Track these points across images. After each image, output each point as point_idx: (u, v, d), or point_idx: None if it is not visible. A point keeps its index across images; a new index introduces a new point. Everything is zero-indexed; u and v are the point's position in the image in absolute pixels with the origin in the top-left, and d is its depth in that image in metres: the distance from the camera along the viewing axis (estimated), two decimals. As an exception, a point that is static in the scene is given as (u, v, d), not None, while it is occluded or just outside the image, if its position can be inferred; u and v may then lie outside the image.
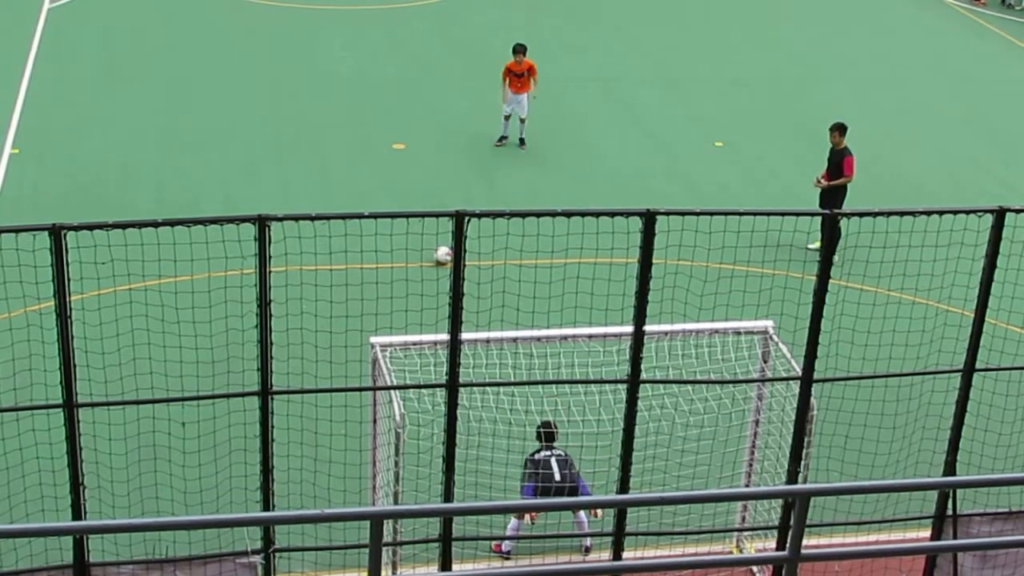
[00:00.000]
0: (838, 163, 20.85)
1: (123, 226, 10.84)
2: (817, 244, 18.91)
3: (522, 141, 25.09)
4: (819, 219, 18.23)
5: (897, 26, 34.71)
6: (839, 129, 21.15)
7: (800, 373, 12.47)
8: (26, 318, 14.17)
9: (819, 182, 20.71)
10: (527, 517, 14.69)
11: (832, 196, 20.27)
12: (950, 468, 12.95)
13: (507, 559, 14.87)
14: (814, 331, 12.06)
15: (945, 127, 27.80)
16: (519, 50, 25.25)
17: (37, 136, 24.47)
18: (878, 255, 13.18)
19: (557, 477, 14.25)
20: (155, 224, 10.84)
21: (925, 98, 29.39)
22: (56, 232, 10.59)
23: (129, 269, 12.57)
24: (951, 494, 12.99)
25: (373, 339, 13.34)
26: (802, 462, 12.75)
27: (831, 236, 12.12)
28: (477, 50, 30.58)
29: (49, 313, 11.04)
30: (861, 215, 12.02)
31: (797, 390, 12.57)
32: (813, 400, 12.55)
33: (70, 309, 10.83)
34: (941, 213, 12.13)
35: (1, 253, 11.75)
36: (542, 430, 14.48)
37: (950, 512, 13.00)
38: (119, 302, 13.62)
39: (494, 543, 14.86)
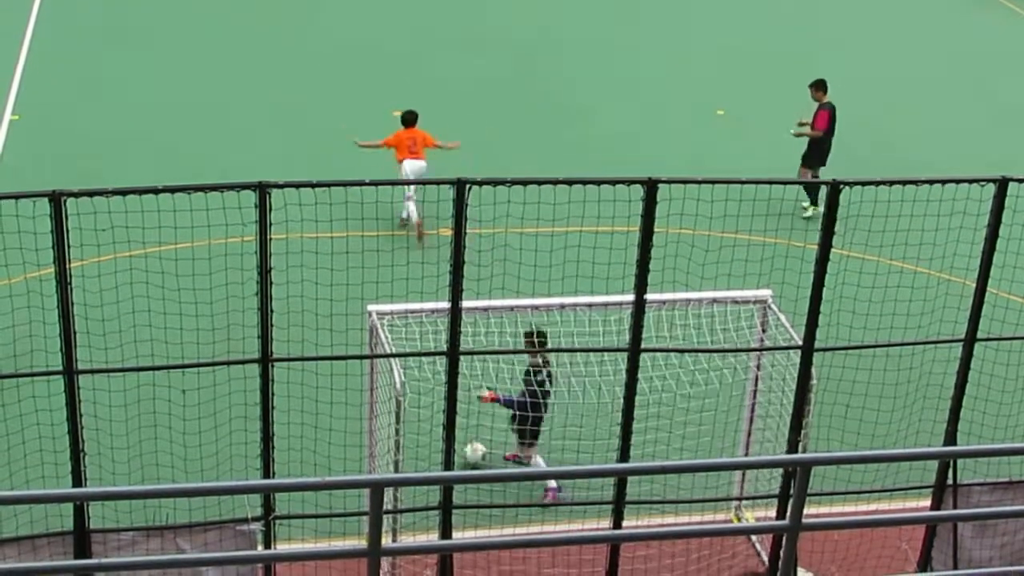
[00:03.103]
0: (815, 116, 21.32)
1: (123, 192, 10.82)
2: (810, 211, 19.75)
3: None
4: (801, 174, 19.57)
5: (894, 4, 34.53)
6: (815, 85, 21.54)
7: (799, 342, 12.46)
8: (26, 285, 14.13)
9: (797, 130, 21.26)
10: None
11: (810, 151, 20.83)
12: (950, 438, 12.96)
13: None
14: (815, 300, 12.04)
15: (947, 97, 27.73)
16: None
17: (37, 103, 24.41)
18: (880, 224, 13.13)
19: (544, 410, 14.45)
20: (155, 191, 10.81)
21: (927, 68, 29.31)
22: (56, 199, 10.56)
23: (129, 236, 12.51)
24: (951, 464, 13.01)
25: (371, 307, 13.30)
26: (802, 431, 12.75)
27: (831, 205, 12.07)
28: (479, 18, 30.46)
29: (49, 280, 11.01)
30: (863, 184, 11.94)
31: (797, 359, 12.56)
32: (813, 369, 12.54)
33: (70, 276, 10.80)
34: (943, 183, 12.10)
35: (1, 220, 11.72)
36: (537, 340, 14.26)
37: (950, 482, 13.02)
38: (119, 269, 13.60)
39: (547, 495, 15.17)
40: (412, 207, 19.52)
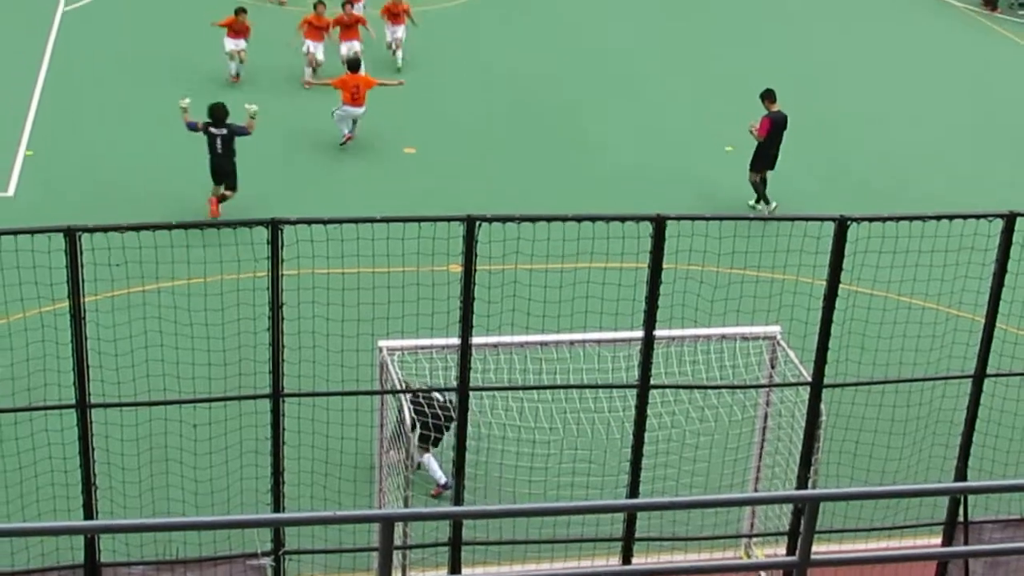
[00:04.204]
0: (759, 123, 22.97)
1: (137, 228, 10.92)
2: (756, 205, 22.38)
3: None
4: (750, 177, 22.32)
5: (909, 31, 34.73)
6: (763, 95, 23.24)
7: (808, 378, 12.49)
8: (40, 319, 14.24)
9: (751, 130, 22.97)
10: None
11: (755, 156, 22.82)
12: (960, 474, 12.96)
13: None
14: (824, 336, 12.08)
15: (956, 131, 27.79)
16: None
17: (51, 138, 24.57)
18: (888, 260, 13.18)
19: (440, 400, 14.53)
20: (169, 227, 10.94)
21: (936, 102, 29.39)
22: (71, 234, 10.66)
23: (143, 271, 12.63)
24: (962, 500, 13.00)
25: (381, 343, 13.37)
26: (812, 467, 12.77)
27: (839, 242, 12.10)
28: (487, 55, 30.65)
29: (63, 314, 11.10)
30: (871, 220, 12.01)
31: (806, 395, 12.58)
32: (823, 405, 12.56)
33: (84, 310, 10.89)
34: (951, 218, 12.15)
35: (17, 254, 11.82)
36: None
37: (961, 518, 13.01)
38: (132, 304, 13.69)
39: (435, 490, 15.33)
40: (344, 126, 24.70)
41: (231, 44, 27.88)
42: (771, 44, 32.69)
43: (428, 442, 15.09)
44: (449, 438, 12.33)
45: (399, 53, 29.15)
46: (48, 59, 28.72)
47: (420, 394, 14.23)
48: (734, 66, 29.93)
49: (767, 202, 22.58)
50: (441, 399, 14.50)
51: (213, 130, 22.18)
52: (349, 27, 28.29)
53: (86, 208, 21.06)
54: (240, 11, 28.01)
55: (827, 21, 34.92)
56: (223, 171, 22.20)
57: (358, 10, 28.87)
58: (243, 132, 22.28)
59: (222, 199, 22.14)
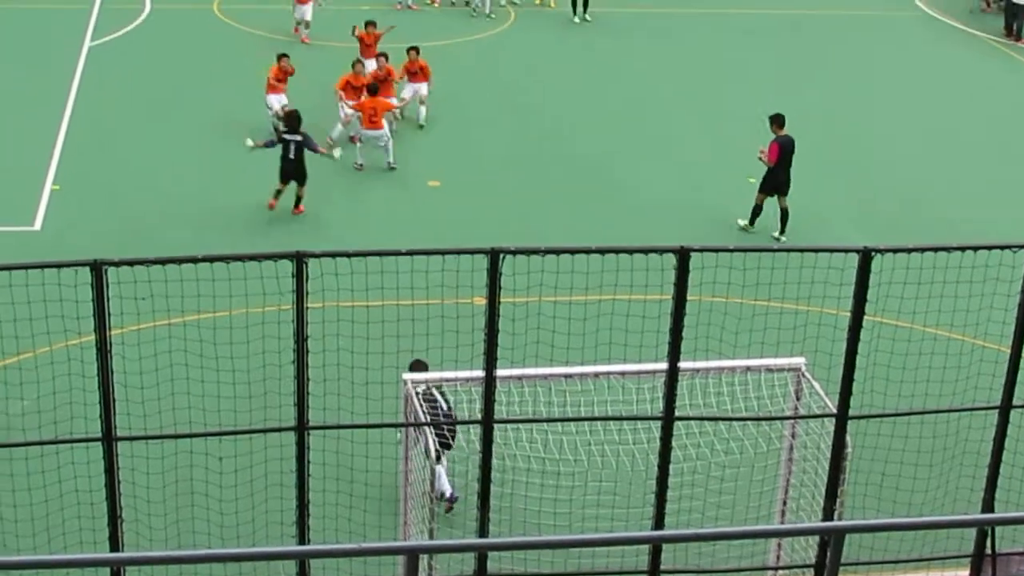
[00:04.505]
0: (769, 148, 23.12)
1: (163, 262, 10.97)
2: (743, 222, 23.00)
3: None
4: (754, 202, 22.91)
5: (934, 63, 34.72)
6: (772, 119, 23.41)
7: (834, 410, 12.46)
8: (67, 352, 14.30)
9: (760, 156, 23.19)
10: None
11: (765, 179, 23.13)
12: (988, 505, 12.89)
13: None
14: (849, 368, 12.06)
15: (979, 161, 27.73)
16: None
17: (78, 172, 24.74)
18: (912, 291, 13.17)
19: (444, 407, 14.66)
20: (194, 260, 10.96)
21: (960, 132, 29.34)
22: (97, 268, 10.72)
23: (168, 305, 12.68)
24: (989, 532, 12.92)
25: (406, 375, 13.42)
26: (837, 499, 12.72)
27: (864, 273, 12.09)
28: (513, 89, 30.77)
29: (89, 347, 11.16)
30: (895, 251, 12.00)
31: (832, 427, 12.55)
32: (848, 437, 12.52)
33: (110, 343, 10.95)
34: (975, 249, 12.12)
35: (43, 288, 11.90)
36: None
37: (989, 550, 12.93)
38: (158, 337, 13.76)
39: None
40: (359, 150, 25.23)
41: (275, 102, 26.55)
42: (793, 75, 32.70)
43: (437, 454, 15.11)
44: (473, 470, 12.33)
45: (423, 109, 28.19)
46: (74, 94, 28.95)
47: (425, 400, 14.36)
48: (756, 98, 29.90)
49: (751, 223, 23.36)
50: (445, 406, 14.56)
51: (287, 136, 23.36)
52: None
53: (112, 242, 21.17)
54: (282, 56, 27.19)
55: (850, 52, 34.94)
56: (293, 175, 23.38)
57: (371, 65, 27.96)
58: (313, 147, 23.39)
59: (298, 201, 23.50)
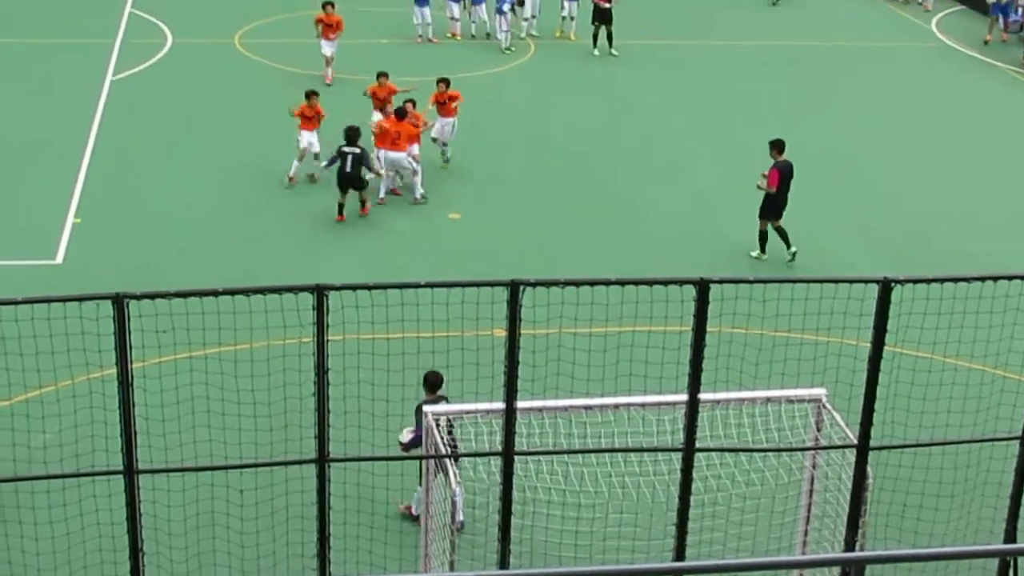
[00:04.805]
0: (768, 173, 23.27)
1: (184, 295, 11.03)
2: (755, 253, 23.38)
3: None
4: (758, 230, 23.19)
5: (952, 93, 34.72)
6: (772, 145, 23.58)
7: (854, 441, 12.44)
8: (88, 385, 14.40)
9: (759, 181, 23.44)
10: None
11: (765, 204, 23.31)
12: (1010, 536, 12.84)
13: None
14: (869, 399, 12.04)
15: (999, 191, 27.68)
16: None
17: (100, 206, 24.88)
18: (932, 321, 13.16)
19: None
20: (215, 293, 11.02)
21: (979, 163, 29.30)
22: (119, 301, 10.78)
23: (190, 337, 12.74)
24: (1012, 563, 12.85)
25: (426, 408, 13.45)
26: (859, 530, 12.68)
27: (883, 303, 12.10)
28: (531, 121, 30.87)
29: (111, 380, 11.21)
30: (915, 282, 12.01)
31: (853, 458, 12.52)
32: (869, 468, 12.50)
33: (132, 376, 11.00)
34: (995, 279, 12.11)
35: (65, 321, 11.96)
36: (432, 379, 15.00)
37: (1010, 582, 12.87)
38: (179, 370, 13.82)
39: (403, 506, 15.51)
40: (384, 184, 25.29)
41: (305, 140, 26.28)
42: (810, 106, 32.76)
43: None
44: (494, 502, 12.34)
45: (447, 151, 27.63)
46: (96, 128, 29.14)
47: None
48: (773, 129, 29.85)
49: (763, 251, 23.49)
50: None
51: (345, 149, 24.28)
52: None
53: (133, 275, 21.30)
54: (311, 94, 26.72)
55: (868, 83, 34.98)
56: (350, 185, 24.45)
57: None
58: (368, 163, 24.49)
59: (362, 203, 24.69)
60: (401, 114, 25.68)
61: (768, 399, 13.46)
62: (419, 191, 25.66)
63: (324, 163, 25.20)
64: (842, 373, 12.87)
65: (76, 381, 14.51)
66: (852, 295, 12.65)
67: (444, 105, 27.41)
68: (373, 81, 27.73)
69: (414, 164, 25.59)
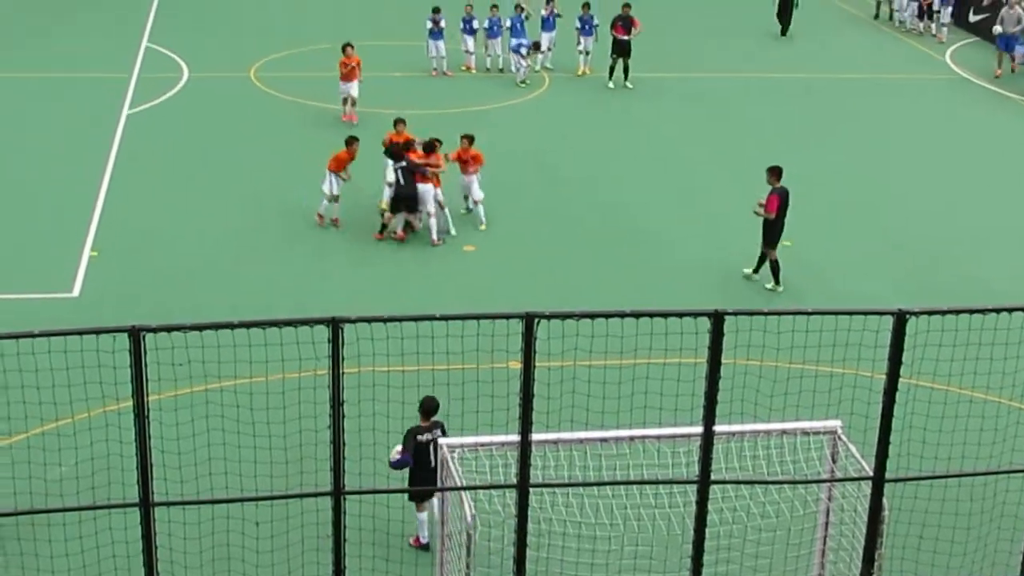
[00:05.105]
0: (767, 200, 23.31)
1: (200, 328, 11.03)
2: (771, 284, 23.36)
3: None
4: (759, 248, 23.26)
5: (964, 123, 34.74)
6: (770, 171, 23.56)
7: (870, 473, 12.40)
8: (104, 418, 14.41)
9: (755, 208, 23.51)
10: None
11: (767, 231, 23.37)
12: (1026, 570, 12.78)
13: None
14: (884, 430, 12.01)
15: (1012, 220, 27.63)
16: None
17: (116, 239, 24.97)
18: (948, 353, 13.14)
19: (432, 466, 14.58)
20: (231, 326, 11.01)
21: (993, 193, 29.28)
22: (135, 333, 10.78)
23: (205, 370, 12.76)
24: (1028, 596, 12.80)
25: (442, 440, 13.44)
26: (875, 563, 12.62)
27: (898, 335, 12.10)
28: (546, 153, 30.93)
29: (127, 413, 11.22)
30: (930, 313, 11.99)
31: (868, 490, 12.48)
32: (885, 500, 12.45)
33: (148, 409, 11.01)
34: (1011, 311, 12.10)
35: (82, 354, 11.99)
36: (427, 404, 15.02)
37: (1027, 615, 12.81)
38: (195, 402, 13.86)
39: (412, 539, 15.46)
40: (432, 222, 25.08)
41: (334, 186, 25.64)
42: (826, 135, 32.79)
43: (421, 498, 15.26)
44: (509, 535, 12.32)
45: (480, 211, 26.27)
46: (113, 161, 29.27)
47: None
48: (790, 159, 29.86)
49: (778, 282, 23.47)
50: (423, 439, 14.85)
51: (395, 166, 24.86)
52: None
53: (149, 308, 21.35)
54: (352, 140, 25.88)
55: (875, 113, 35.02)
56: (404, 202, 24.87)
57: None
58: (423, 170, 24.84)
59: (407, 228, 25.09)
60: (429, 148, 25.35)
61: (783, 431, 13.42)
62: (435, 233, 25.44)
63: (386, 198, 25.28)
64: (857, 405, 12.84)
65: (92, 414, 14.53)
66: (867, 326, 12.64)
67: (465, 163, 26.20)
68: (390, 127, 27.02)
69: (436, 206, 25.46)
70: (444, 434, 14.98)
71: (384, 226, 25.06)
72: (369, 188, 25.93)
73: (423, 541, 15.43)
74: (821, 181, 29.15)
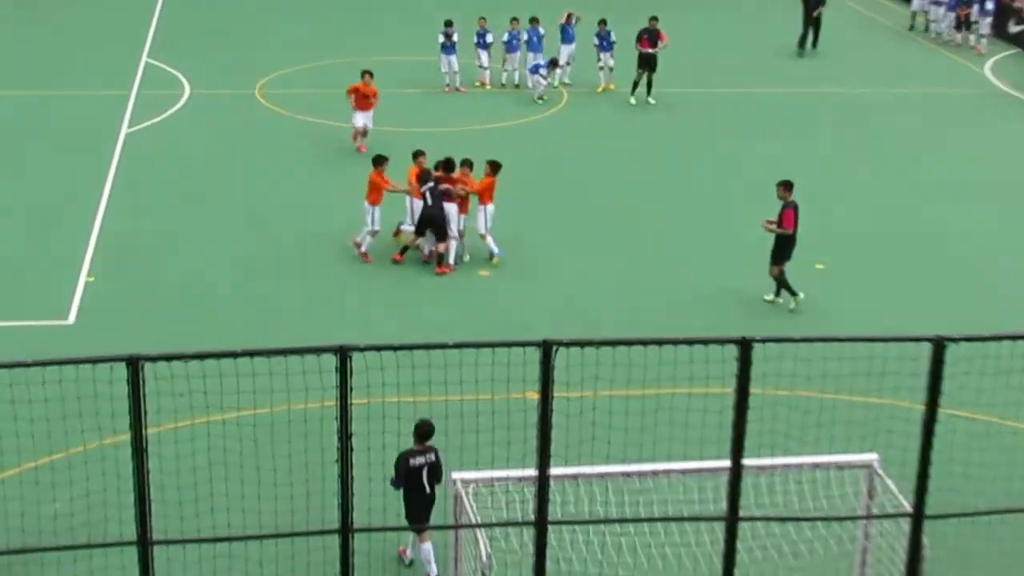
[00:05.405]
0: (781, 215, 22.81)
1: (201, 356, 10.62)
2: (792, 304, 22.88)
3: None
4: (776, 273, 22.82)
5: (1006, 139, 34.06)
6: (782, 185, 23.00)
7: (909, 509, 11.89)
8: (101, 451, 13.99)
9: (765, 225, 23.02)
10: None
11: (779, 248, 22.88)
12: (1073, 610, 12.21)
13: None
14: (924, 464, 11.49)
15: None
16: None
17: (112, 264, 24.50)
18: (990, 382, 12.62)
19: (427, 491, 14.40)
20: (234, 355, 10.63)
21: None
22: (133, 363, 10.39)
23: (207, 401, 12.32)
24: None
25: (455, 475, 13.06)
26: (914, 605, 12.09)
27: (937, 363, 11.56)
28: (563, 172, 30.47)
29: (125, 446, 10.78)
30: (970, 340, 11.46)
31: (907, 527, 11.97)
32: (925, 538, 11.92)
33: (146, 442, 10.57)
34: (1055, 339, 11.58)
35: (77, 384, 11.53)
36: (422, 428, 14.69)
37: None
38: (196, 435, 13.40)
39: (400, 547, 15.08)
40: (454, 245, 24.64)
41: (376, 221, 24.66)
42: (860, 153, 32.22)
43: (419, 521, 14.74)
44: (527, 574, 11.82)
45: (490, 241, 25.01)
46: (110, 183, 28.79)
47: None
48: (821, 180, 29.48)
49: (794, 293, 23.06)
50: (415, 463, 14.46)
51: (422, 188, 24.25)
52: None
53: (148, 335, 20.85)
54: (381, 160, 24.90)
55: (919, 129, 34.53)
56: (430, 222, 24.24)
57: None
58: (448, 193, 24.28)
59: (437, 255, 24.47)
60: (451, 167, 24.85)
61: (816, 465, 12.98)
62: (451, 258, 24.83)
63: (411, 226, 24.63)
64: (894, 437, 12.32)
65: (88, 447, 14.07)
66: (904, 354, 12.11)
67: (479, 195, 25.22)
68: (399, 147, 26.57)
69: (456, 231, 24.83)
70: (438, 459, 14.67)
71: (406, 248, 24.66)
72: (386, 214, 25.37)
73: (409, 555, 15.03)
74: (855, 199, 28.62)
